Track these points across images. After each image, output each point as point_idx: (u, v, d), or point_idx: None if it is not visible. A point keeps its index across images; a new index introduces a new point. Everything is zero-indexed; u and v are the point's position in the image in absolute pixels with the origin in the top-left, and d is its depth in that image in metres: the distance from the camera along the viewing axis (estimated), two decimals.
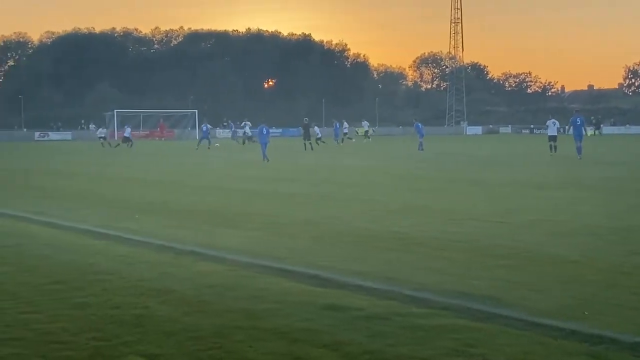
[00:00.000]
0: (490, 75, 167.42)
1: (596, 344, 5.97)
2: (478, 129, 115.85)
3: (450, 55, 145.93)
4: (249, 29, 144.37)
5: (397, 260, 9.49)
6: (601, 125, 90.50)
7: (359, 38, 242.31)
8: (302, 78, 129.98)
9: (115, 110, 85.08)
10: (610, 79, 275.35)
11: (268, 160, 32.81)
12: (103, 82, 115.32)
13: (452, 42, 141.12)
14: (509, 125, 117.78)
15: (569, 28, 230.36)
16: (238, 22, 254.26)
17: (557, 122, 38.29)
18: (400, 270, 8.83)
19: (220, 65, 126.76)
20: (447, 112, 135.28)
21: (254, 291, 7.86)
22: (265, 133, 34.66)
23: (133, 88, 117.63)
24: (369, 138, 66.06)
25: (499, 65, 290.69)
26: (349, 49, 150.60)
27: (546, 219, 13.29)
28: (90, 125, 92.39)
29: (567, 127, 37.95)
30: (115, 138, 71.04)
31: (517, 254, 9.78)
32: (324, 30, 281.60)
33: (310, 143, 47.92)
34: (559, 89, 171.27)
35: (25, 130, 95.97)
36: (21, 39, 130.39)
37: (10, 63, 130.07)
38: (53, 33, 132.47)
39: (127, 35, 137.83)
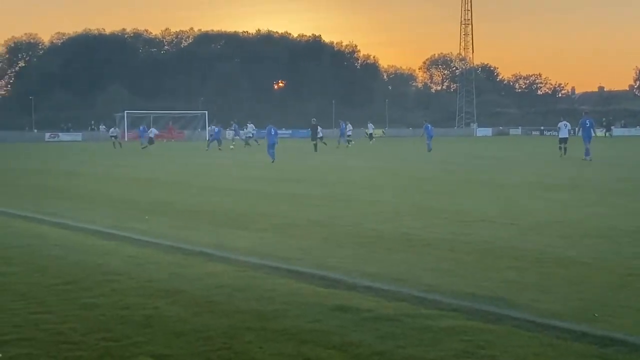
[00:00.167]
0: (500, 77, 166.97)
1: (606, 346, 5.95)
2: (488, 131, 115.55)
3: (461, 57, 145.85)
4: (259, 30, 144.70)
5: (407, 262, 9.48)
6: (612, 127, 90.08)
7: (369, 39, 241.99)
8: (312, 79, 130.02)
9: (126, 111, 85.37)
10: (620, 81, 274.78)
11: (272, 161, 32.89)
12: (113, 83, 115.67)
13: (462, 44, 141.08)
14: (519, 127, 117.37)
15: (579, 30, 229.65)
16: (248, 24, 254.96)
17: (568, 124, 38.16)
18: (410, 272, 8.82)
19: (230, 67, 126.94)
20: (457, 114, 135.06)
21: (263, 292, 7.87)
22: (273, 134, 34.65)
23: (143, 89, 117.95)
24: (372, 140, 66.06)
25: (509, 66, 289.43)
26: (358, 50, 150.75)
27: (556, 220, 13.26)
28: (100, 126, 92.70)
29: (576, 128, 37.87)
30: (126, 139, 71.50)
31: (527, 255, 9.75)
32: (334, 32, 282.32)
33: (315, 144, 47.98)
34: (569, 90, 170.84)
35: (35, 131, 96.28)
36: (32, 40, 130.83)
37: (21, 64, 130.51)
38: (63, 34, 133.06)
39: (137, 36, 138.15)
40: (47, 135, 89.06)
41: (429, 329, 6.43)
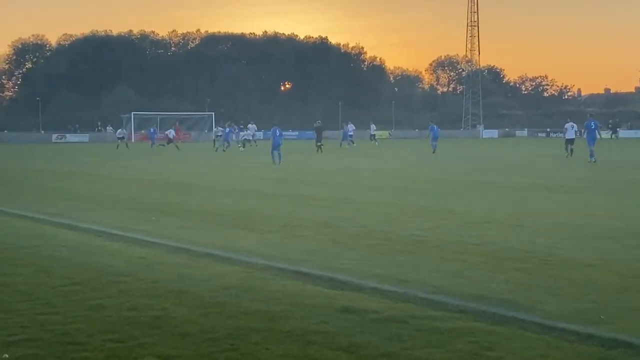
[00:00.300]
0: (506, 79, 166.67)
1: (612, 348, 5.95)
2: (494, 133, 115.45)
3: (467, 59, 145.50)
4: (266, 31, 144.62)
5: (413, 263, 9.48)
6: (618, 129, 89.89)
7: (376, 41, 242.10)
8: (319, 81, 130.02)
9: (133, 113, 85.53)
10: (627, 83, 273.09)
11: (274, 163, 32.94)
12: (120, 85, 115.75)
13: (469, 46, 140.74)
14: (525, 129, 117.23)
15: (585, 31, 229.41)
16: (255, 25, 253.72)
17: (575, 125, 38.23)
18: (417, 273, 8.82)
19: (237, 68, 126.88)
20: (463, 116, 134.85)
21: (270, 293, 7.87)
22: (278, 135, 34.62)
23: (150, 90, 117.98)
24: (375, 141, 66.04)
25: (515, 68, 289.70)
26: (365, 52, 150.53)
27: (562, 222, 13.25)
28: (107, 128, 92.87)
29: (582, 130, 37.86)
30: (132, 140, 71.81)
31: (533, 257, 9.74)
32: (341, 33, 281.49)
33: (319, 146, 48.02)
34: (576, 92, 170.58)
35: (42, 132, 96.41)
36: (39, 42, 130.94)
37: (28, 65, 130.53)
38: (71, 36, 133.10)
39: (144, 38, 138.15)
40: (54, 136, 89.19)
41: (435, 331, 6.44)
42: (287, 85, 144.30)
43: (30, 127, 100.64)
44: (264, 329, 6.52)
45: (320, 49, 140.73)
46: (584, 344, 6.06)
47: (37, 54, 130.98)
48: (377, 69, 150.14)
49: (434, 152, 44.50)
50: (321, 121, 53.01)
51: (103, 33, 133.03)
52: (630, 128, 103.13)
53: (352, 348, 5.99)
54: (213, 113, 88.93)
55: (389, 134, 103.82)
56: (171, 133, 59.30)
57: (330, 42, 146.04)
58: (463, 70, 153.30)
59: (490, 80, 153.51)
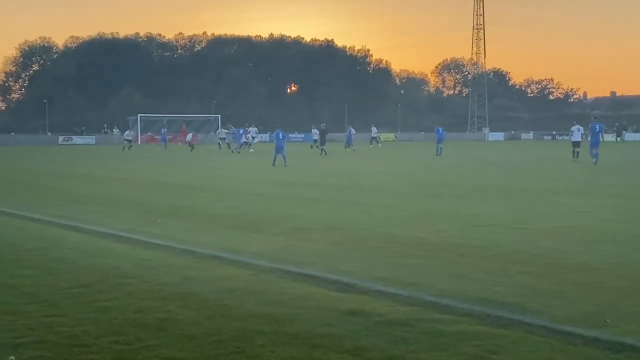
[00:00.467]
0: (512, 82, 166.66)
1: (618, 352, 5.95)
2: (500, 135, 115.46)
3: (473, 62, 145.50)
4: (272, 34, 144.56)
5: (419, 266, 9.48)
6: (623, 132, 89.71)
7: (381, 44, 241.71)
8: (325, 84, 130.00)
9: (139, 115, 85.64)
10: (633, 86, 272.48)
11: (274, 165, 33.06)
12: (127, 87, 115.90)
13: (474, 48, 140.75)
14: (531, 132, 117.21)
15: (591, 34, 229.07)
16: (261, 28, 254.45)
17: (581, 128, 38.28)
18: (422, 276, 8.82)
19: (243, 71, 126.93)
20: (469, 118, 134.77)
21: (276, 296, 7.89)
22: (281, 138, 34.64)
23: (157, 93, 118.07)
24: (378, 144, 66.06)
25: (521, 71, 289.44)
26: (371, 55, 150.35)
27: (569, 225, 13.23)
28: (114, 130, 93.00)
29: (587, 133, 37.89)
30: (139, 142, 72.05)
31: (539, 260, 9.73)
32: (347, 36, 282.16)
33: (324, 149, 48.05)
34: (581, 95, 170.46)
35: (49, 134, 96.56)
36: (46, 44, 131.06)
37: (35, 68, 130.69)
38: (77, 38, 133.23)
39: (150, 40, 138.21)
40: (61, 138, 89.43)
41: (441, 334, 6.44)
42: (294, 88, 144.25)
43: (37, 129, 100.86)
44: (270, 331, 6.53)
45: (327, 52, 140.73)
46: (589, 347, 6.06)
47: (44, 56, 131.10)
48: (383, 72, 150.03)
49: (437, 155, 44.49)
50: (325, 124, 53.02)
51: (110, 35, 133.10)
52: (636, 131, 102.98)
53: (357, 351, 6.00)
54: (219, 115, 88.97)
55: (395, 136, 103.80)
56: (188, 136, 61.38)
57: (337, 45, 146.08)
58: (469, 73, 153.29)
59: (496, 83, 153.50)
